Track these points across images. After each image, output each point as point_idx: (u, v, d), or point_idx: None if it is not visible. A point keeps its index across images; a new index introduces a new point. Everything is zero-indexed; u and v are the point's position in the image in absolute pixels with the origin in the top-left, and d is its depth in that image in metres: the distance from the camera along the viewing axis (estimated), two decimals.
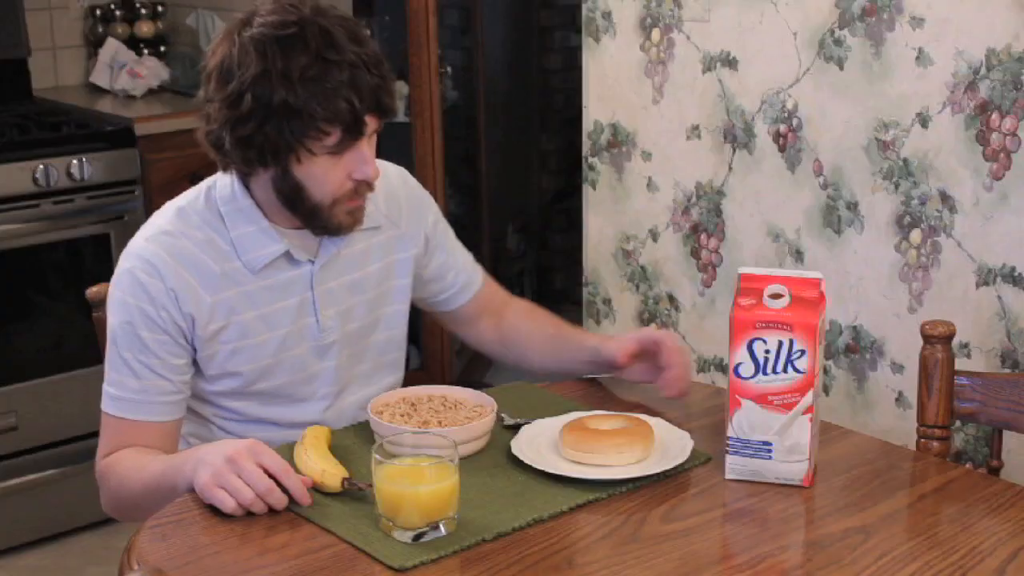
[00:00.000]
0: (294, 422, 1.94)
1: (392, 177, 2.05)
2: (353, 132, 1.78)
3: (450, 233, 2.13)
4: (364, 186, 1.85)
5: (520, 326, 2.15)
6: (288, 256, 1.90)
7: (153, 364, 1.85)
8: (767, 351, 1.68)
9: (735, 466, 1.73)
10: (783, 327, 1.67)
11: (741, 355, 1.69)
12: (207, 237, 1.88)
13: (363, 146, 1.82)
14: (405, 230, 2.03)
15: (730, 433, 1.72)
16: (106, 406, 1.87)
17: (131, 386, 1.85)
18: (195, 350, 1.89)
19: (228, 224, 1.88)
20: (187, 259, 1.86)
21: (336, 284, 1.95)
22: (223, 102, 1.79)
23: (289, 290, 1.91)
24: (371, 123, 1.80)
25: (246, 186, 1.89)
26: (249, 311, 1.89)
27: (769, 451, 1.71)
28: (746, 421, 1.71)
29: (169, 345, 1.85)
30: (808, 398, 1.69)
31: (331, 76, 1.75)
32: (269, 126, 1.77)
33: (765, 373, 1.69)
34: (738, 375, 1.70)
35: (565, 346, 2.10)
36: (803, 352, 1.67)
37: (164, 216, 1.91)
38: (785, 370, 1.68)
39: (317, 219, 1.86)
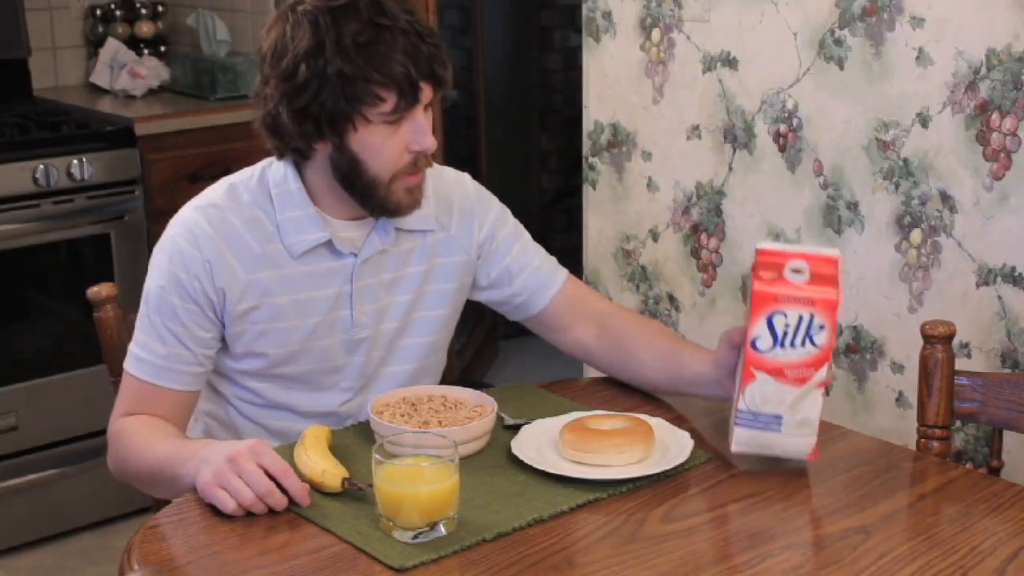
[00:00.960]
0: (311, 410, 1.96)
1: (448, 180, 2.03)
2: (409, 98, 1.79)
3: (521, 236, 2.07)
4: (422, 159, 1.85)
5: (626, 333, 2.01)
6: (330, 246, 1.90)
7: (179, 332, 1.86)
8: (787, 324, 1.69)
9: (743, 438, 1.73)
10: (805, 301, 1.68)
11: (759, 328, 1.69)
12: (254, 216, 1.89)
13: (419, 115, 1.82)
14: (454, 234, 2.00)
15: (741, 406, 1.72)
16: (129, 366, 1.89)
17: (157, 351, 1.87)
18: (224, 325, 1.90)
19: (276, 206, 1.89)
20: (229, 234, 1.87)
21: (376, 281, 1.94)
22: (278, 77, 1.81)
23: (328, 280, 1.91)
24: (426, 90, 1.81)
25: (300, 172, 1.90)
26: (284, 295, 1.89)
27: (779, 424, 1.71)
28: (759, 394, 1.71)
29: (197, 316, 1.87)
30: (823, 372, 1.69)
31: (385, 41, 1.77)
32: (325, 94, 1.78)
33: (783, 346, 1.69)
34: (755, 348, 1.70)
35: (678, 364, 1.94)
36: (823, 327, 1.68)
37: (216, 190, 1.93)
38: (803, 344, 1.69)
39: (375, 197, 1.86)
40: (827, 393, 1.75)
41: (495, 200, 2.08)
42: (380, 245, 1.93)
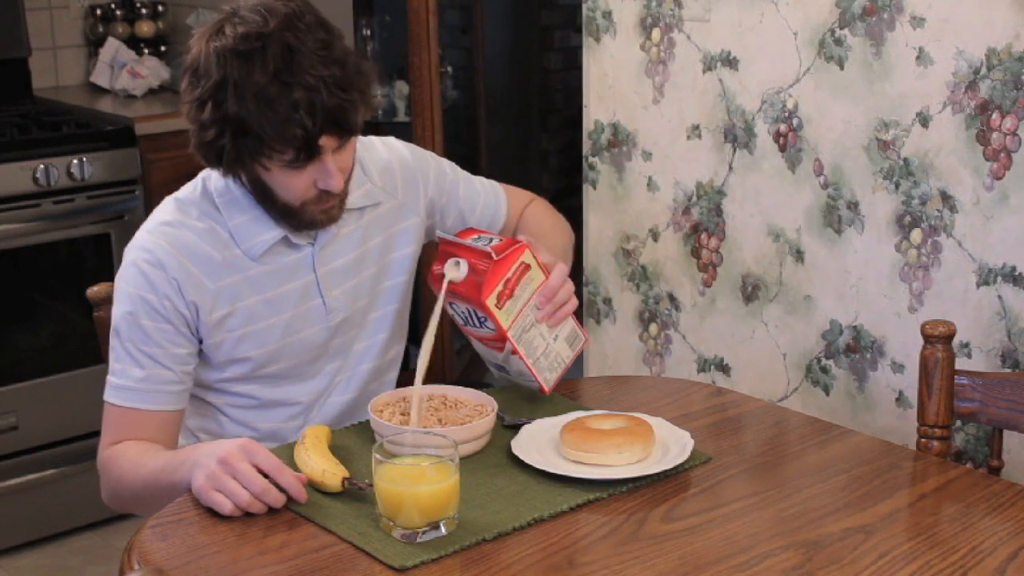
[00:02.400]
0: (302, 401, 1.98)
1: (380, 152, 2.05)
2: (307, 153, 1.79)
3: (461, 179, 2.13)
4: (328, 194, 1.85)
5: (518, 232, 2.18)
6: (287, 240, 1.92)
7: (155, 353, 1.86)
8: (463, 312, 1.90)
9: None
10: (463, 298, 1.87)
11: (452, 311, 1.92)
12: (207, 227, 1.90)
13: (326, 160, 1.81)
14: (403, 199, 2.04)
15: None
16: (109, 396, 1.89)
17: (134, 375, 1.86)
18: (201, 340, 1.90)
19: (224, 214, 1.91)
20: (188, 248, 1.87)
21: (340, 263, 1.96)
22: (190, 104, 1.83)
23: (292, 273, 1.93)
24: (328, 143, 1.80)
25: (237, 178, 1.90)
26: (253, 296, 1.90)
27: (506, 372, 1.97)
28: (482, 348, 1.96)
29: (171, 334, 1.87)
30: (509, 345, 1.88)
31: (284, 99, 1.74)
32: (226, 138, 1.79)
33: (470, 325, 1.91)
34: (459, 318, 1.92)
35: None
36: (486, 318, 1.86)
37: (164, 209, 1.94)
38: (482, 326, 1.89)
39: (291, 218, 1.88)
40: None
41: (428, 154, 2.13)
42: (334, 229, 1.94)
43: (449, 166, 2.14)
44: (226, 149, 1.80)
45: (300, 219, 1.88)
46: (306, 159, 1.79)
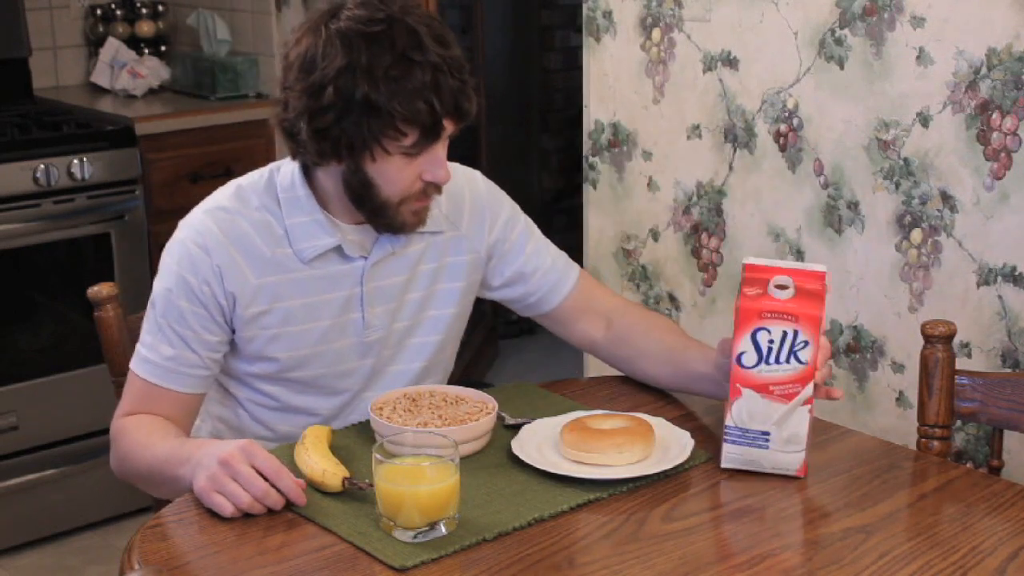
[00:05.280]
0: (323, 414, 1.96)
1: (459, 179, 1.99)
2: (430, 135, 1.79)
3: (533, 234, 2.07)
4: (433, 188, 1.85)
5: (633, 329, 2.02)
6: (339, 250, 1.90)
7: (187, 335, 1.86)
8: (771, 341, 1.69)
9: (731, 455, 1.74)
10: (788, 317, 1.68)
11: (744, 344, 1.69)
12: (263, 219, 1.88)
13: (438, 149, 1.82)
14: (464, 233, 2.00)
15: (728, 422, 1.72)
16: (135, 366, 1.89)
17: (164, 352, 1.87)
18: (234, 331, 1.90)
19: (284, 211, 1.89)
20: (239, 238, 1.87)
21: (387, 283, 1.94)
22: (304, 92, 1.79)
23: (338, 283, 1.91)
24: (449, 126, 1.80)
25: (308, 176, 1.89)
26: (295, 298, 1.89)
27: (767, 441, 1.72)
28: (746, 410, 1.71)
29: (205, 320, 1.86)
30: (808, 389, 1.69)
31: (414, 76, 1.75)
32: (348, 120, 1.77)
33: (768, 363, 1.69)
34: (740, 364, 1.70)
35: (683, 361, 1.95)
36: (807, 343, 1.68)
37: (225, 192, 1.92)
38: (788, 360, 1.69)
39: (382, 216, 1.86)
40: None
41: (506, 198, 2.08)
42: (390, 248, 1.92)
43: (525, 220, 2.08)
44: (346, 134, 1.78)
45: (392, 219, 1.85)
46: (428, 141, 1.79)
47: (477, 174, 2.06)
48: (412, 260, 1.96)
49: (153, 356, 1.87)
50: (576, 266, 2.09)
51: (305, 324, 1.90)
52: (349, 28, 1.77)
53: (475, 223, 2.01)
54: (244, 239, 1.87)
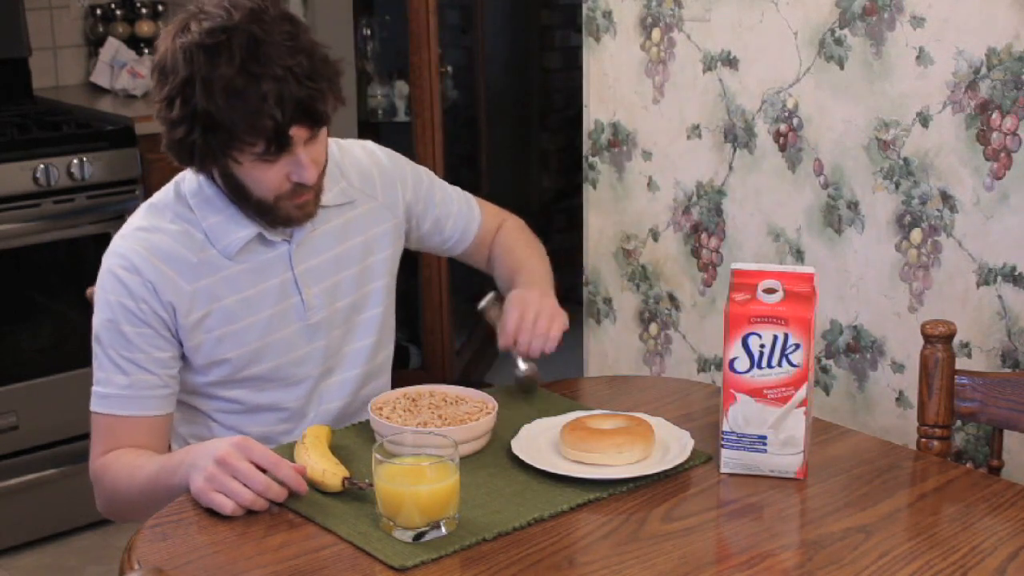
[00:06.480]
0: (290, 407, 1.96)
1: (360, 155, 2.06)
2: (278, 144, 1.78)
3: (436, 186, 2.15)
4: (302, 187, 1.85)
5: (496, 255, 2.23)
6: (262, 238, 1.91)
7: (138, 359, 1.86)
8: (762, 345, 1.69)
9: (730, 460, 1.74)
10: (778, 321, 1.68)
11: (736, 350, 1.70)
12: (181, 229, 1.90)
13: (297, 151, 1.81)
14: (382, 201, 2.05)
15: (725, 428, 1.73)
16: (95, 406, 1.88)
17: (119, 382, 1.86)
18: (181, 343, 1.89)
19: (198, 214, 1.91)
20: (162, 251, 1.88)
21: (317, 261, 1.96)
22: (160, 102, 1.82)
23: (269, 271, 1.92)
24: (301, 133, 1.79)
25: (210, 177, 1.90)
26: (230, 296, 1.90)
27: (764, 445, 1.72)
28: (741, 415, 1.72)
29: (152, 338, 1.86)
30: (802, 391, 1.70)
31: (252, 90, 1.74)
32: (196, 134, 1.78)
33: (760, 367, 1.70)
34: (733, 370, 1.70)
35: (511, 285, 2.15)
36: (798, 346, 1.68)
37: (138, 215, 1.95)
38: (780, 364, 1.69)
39: (266, 213, 1.88)
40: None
41: (403, 158, 2.14)
42: (310, 226, 1.94)
43: (425, 172, 2.16)
44: (197, 145, 1.79)
45: (276, 216, 1.87)
46: (277, 151, 1.78)
47: (372, 145, 2.11)
48: (338, 234, 1.98)
49: (110, 390, 1.86)
50: (475, 201, 2.22)
51: (246, 319, 1.91)
52: (191, 40, 1.77)
53: (388, 190, 2.06)
54: (167, 251, 1.88)
